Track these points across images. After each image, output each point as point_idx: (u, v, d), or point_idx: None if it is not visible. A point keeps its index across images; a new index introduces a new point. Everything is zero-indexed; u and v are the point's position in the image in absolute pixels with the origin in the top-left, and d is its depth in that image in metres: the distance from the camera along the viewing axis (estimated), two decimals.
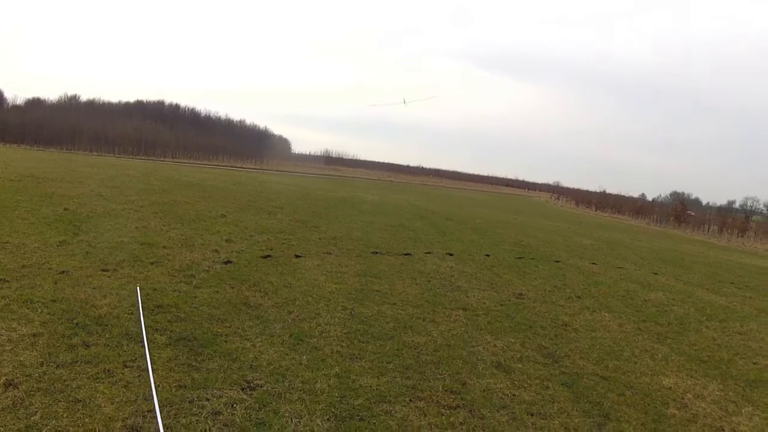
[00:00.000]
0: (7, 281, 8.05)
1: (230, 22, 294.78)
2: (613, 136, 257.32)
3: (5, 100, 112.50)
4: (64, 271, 8.91)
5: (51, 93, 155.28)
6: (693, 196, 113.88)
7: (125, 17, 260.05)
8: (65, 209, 15.73)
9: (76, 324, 6.57)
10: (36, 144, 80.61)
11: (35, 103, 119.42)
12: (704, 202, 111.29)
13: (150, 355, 5.83)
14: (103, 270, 9.33)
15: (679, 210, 67.09)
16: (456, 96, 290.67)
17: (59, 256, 10.03)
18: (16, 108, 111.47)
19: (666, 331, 9.89)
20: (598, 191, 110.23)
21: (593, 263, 18.03)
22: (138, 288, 7.68)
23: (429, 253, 15.73)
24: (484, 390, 6.12)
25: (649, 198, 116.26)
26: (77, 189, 21.40)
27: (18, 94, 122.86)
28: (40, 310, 6.92)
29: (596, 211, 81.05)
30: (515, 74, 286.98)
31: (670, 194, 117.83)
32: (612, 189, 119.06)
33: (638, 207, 78.90)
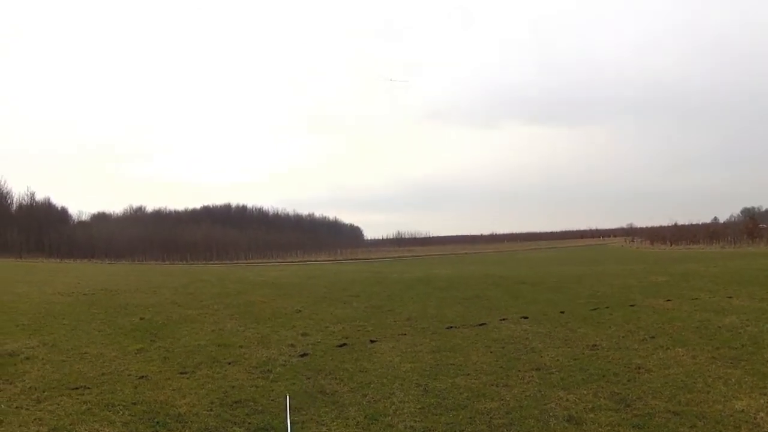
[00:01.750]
0: (88, 387, 8.76)
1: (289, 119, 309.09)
2: (676, 163, 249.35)
3: (70, 216, 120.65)
4: (143, 376, 9.57)
5: (115, 206, 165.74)
6: (765, 209, 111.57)
7: (183, 127, 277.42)
8: (141, 318, 16.75)
9: (157, 422, 7.11)
10: (106, 257, 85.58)
11: (101, 218, 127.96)
12: None
13: None
14: (182, 373, 9.95)
15: (751, 226, 67.41)
16: (522, 156, 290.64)
17: (138, 362, 10.76)
18: (82, 224, 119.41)
19: (740, 354, 10.16)
20: (670, 225, 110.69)
21: (668, 300, 18.33)
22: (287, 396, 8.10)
23: (504, 319, 15.85)
24: None
25: (722, 220, 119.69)
26: (152, 298, 22.65)
27: (83, 209, 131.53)
28: (121, 412, 7.52)
29: (671, 245, 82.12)
30: (568, 121, 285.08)
31: (741, 211, 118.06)
32: (684, 219, 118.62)
33: (711, 232, 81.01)
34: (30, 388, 9.00)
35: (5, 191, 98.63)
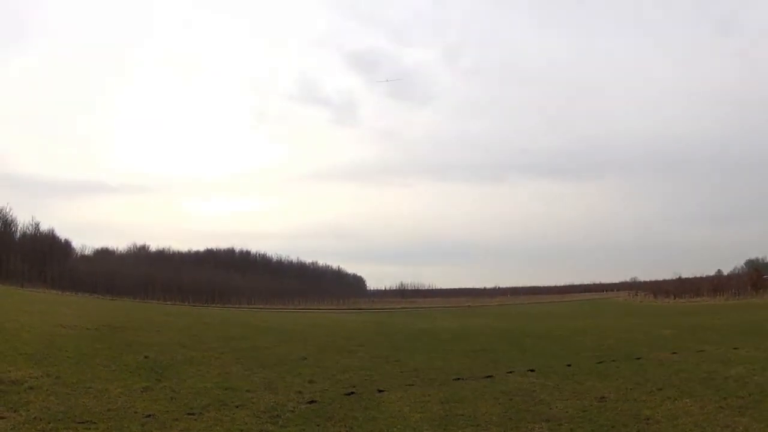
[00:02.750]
0: (94, 423, 8.72)
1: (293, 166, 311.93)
2: (679, 216, 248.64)
3: (74, 249, 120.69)
4: (150, 415, 9.45)
5: (118, 243, 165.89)
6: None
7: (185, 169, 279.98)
8: (146, 357, 16.59)
9: None
10: (108, 293, 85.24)
11: (104, 253, 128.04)
12: None
13: None
14: (189, 414, 9.83)
15: (755, 278, 68.15)
16: (526, 210, 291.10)
17: (144, 401, 10.63)
18: (85, 258, 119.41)
19: (747, 403, 10.51)
20: (674, 278, 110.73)
21: (674, 352, 18.79)
22: None
23: (511, 372, 15.89)
24: None
25: (725, 272, 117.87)
26: (155, 337, 22.49)
27: (86, 243, 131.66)
28: None
29: (675, 299, 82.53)
30: (573, 176, 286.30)
31: (745, 263, 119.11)
32: (687, 272, 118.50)
33: (715, 285, 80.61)
34: (35, 418, 8.91)
35: (10, 219, 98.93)
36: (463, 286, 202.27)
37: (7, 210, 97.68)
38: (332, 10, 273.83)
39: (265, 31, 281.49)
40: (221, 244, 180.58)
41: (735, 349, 18.49)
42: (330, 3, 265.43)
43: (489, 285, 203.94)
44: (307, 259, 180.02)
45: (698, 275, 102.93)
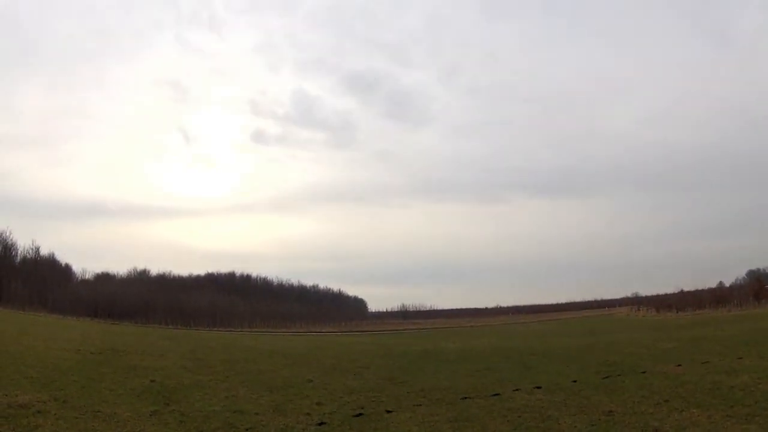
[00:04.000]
0: None
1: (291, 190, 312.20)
2: (679, 231, 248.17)
3: (74, 273, 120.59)
4: None
5: (119, 267, 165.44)
6: None
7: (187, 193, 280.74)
8: (152, 381, 16.58)
9: None
10: (109, 317, 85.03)
11: (105, 278, 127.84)
12: None
13: None
14: None
15: (757, 288, 68.35)
16: (526, 228, 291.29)
17: (154, 425, 10.65)
18: (85, 282, 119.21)
19: (754, 411, 10.77)
20: (675, 292, 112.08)
21: (678, 365, 18.94)
22: None
23: (517, 389, 15.88)
24: None
25: (727, 283, 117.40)
26: (160, 361, 22.46)
27: (86, 267, 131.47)
28: None
29: (677, 312, 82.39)
30: (572, 193, 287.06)
31: (747, 274, 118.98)
32: (689, 285, 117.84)
33: (717, 296, 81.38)
34: None
35: (10, 243, 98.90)
36: (462, 306, 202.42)
37: (8, 234, 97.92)
38: (329, 32, 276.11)
39: (262, 52, 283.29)
40: (221, 267, 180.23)
41: (739, 358, 18.76)
42: (327, 25, 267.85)
43: (489, 304, 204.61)
44: (308, 282, 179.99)
45: (700, 288, 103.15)
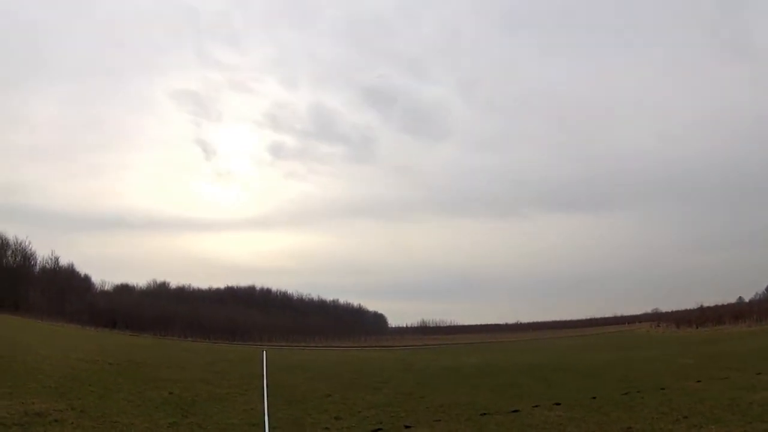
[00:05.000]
0: None
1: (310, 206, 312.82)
2: (699, 246, 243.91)
3: (93, 284, 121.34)
4: None
5: (138, 279, 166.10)
6: None
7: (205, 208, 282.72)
8: (170, 393, 16.59)
9: None
10: (128, 329, 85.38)
11: (124, 289, 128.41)
12: None
13: None
14: None
15: None
16: (545, 244, 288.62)
17: None
18: (104, 293, 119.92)
19: None
20: (695, 308, 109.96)
21: (698, 381, 18.94)
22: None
23: (536, 406, 15.76)
24: None
25: (747, 298, 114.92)
26: (179, 374, 22.48)
27: (105, 278, 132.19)
28: None
29: (697, 328, 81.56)
30: (591, 208, 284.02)
31: (766, 289, 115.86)
32: (709, 300, 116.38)
33: (736, 312, 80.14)
34: None
35: (29, 252, 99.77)
36: (481, 322, 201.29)
37: (27, 243, 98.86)
38: (347, 45, 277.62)
39: (280, 65, 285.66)
40: (241, 281, 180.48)
41: (758, 374, 18.80)
42: (345, 38, 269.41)
43: (509, 320, 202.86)
44: (328, 297, 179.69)
45: (720, 303, 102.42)
